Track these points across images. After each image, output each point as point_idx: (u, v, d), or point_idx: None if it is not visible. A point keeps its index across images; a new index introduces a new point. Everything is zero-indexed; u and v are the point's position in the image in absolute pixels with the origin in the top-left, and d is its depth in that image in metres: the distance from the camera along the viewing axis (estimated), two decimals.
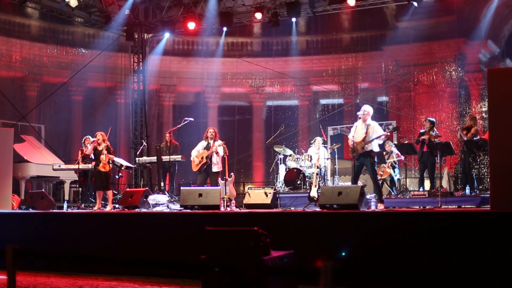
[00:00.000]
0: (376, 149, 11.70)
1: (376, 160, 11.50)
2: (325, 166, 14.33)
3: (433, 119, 13.71)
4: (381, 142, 11.76)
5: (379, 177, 13.76)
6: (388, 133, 11.59)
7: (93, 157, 12.80)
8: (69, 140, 22.20)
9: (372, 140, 11.10)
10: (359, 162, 11.11)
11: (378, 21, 22.43)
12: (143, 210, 11.04)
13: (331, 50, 23.79)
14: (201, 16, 18.55)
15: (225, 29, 19.96)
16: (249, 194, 12.31)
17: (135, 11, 19.65)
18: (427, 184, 13.85)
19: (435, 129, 13.24)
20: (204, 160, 12.44)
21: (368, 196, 10.03)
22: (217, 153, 12.40)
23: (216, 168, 12.53)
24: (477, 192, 12.81)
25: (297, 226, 8.25)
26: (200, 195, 10.08)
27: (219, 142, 12.48)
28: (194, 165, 12.59)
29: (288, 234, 7.99)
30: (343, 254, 7.36)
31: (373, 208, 9.94)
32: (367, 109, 11.56)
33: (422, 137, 13.20)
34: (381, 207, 10.40)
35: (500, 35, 21.96)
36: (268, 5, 17.86)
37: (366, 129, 11.07)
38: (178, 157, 14.72)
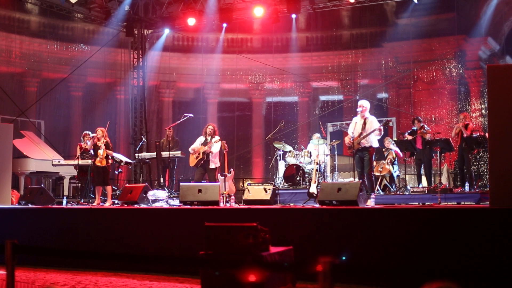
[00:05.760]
0: (375, 144, 11.75)
1: (374, 156, 11.55)
2: (324, 162, 14.34)
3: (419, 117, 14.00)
4: (379, 137, 11.80)
5: (378, 174, 13.79)
6: (381, 127, 11.59)
7: (92, 153, 12.83)
8: (69, 135, 22.19)
9: (368, 134, 11.19)
10: (358, 156, 11.30)
11: (378, 17, 22.47)
12: (143, 205, 11.04)
13: (331, 46, 23.79)
14: (201, 12, 18.53)
15: (225, 25, 19.93)
16: (248, 190, 12.28)
17: (135, 7, 19.65)
18: (424, 180, 13.88)
19: (425, 126, 13.35)
20: (201, 156, 12.52)
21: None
22: (210, 152, 12.48)
23: (213, 164, 12.61)
24: (476, 188, 12.81)
25: (296, 222, 8.25)
26: (200, 191, 10.08)
27: (216, 138, 12.52)
28: (192, 160, 12.68)
29: (287, 230, 8.00)
30: (343, 258, 7.36)
31: (372, 204, 9.93)
32: (364, 104, 11.65)
33: (410, 138, 13.32)
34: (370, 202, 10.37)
35: (500, 32, 21.96)
36: (268, 1, 17.85)
37: (364, 123, 11.17)
38: (177, 153, 14.72)
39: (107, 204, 12.40)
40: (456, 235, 7.05)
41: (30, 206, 11.68)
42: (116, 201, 12.72)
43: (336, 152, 14.92)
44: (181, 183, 11.65)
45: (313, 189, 12.33)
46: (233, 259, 6.15)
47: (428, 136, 13.18)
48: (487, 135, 11.44)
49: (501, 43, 22.02)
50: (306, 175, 14.06)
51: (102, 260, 8.26)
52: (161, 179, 15.07)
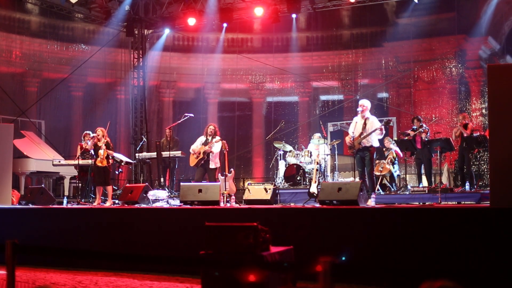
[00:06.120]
0: (376, 144, 11.76)
1: (375, 156, 11.54)
2: (325, 161, 14.34)
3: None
4: (380, 137, 11.81)
5: (378, 173, 13.78)
6: (382, 126, 11.62)
7: (93, 153, 12.83)
8: (69, 135, 22.20)
9: (369, 134, 11.19)
10: (358, 155, 11.30)
11: (379, 17, 22.46)
12: (143, 205, 11.04)
13: (331, 46, 23.78)
14: (201, 12, 18.54)
15: (225, 25, 19.94)
16: (248, 190, 12.26)
17: (135, 7, 19.66)
18: (424, 180, 13.87)
19: (424, 125, 13.33)
20: (201, 156, 12.54)
21: None
22: (211, 152, 12.50)
23: (213, 164, 12.62)
24: (477, 188, 12.81)
25: (297, 222, 8.25)
26: (200, 190, 10.08)
27: (217, 138, 12.54)
28: (192, 160, 12.70)
29: (288, 230, 8.00)
30: (343, 258, 7.36)
31: (373, 204, 9.93)
32: (365, 104, 11.66)
33: (412, 134, 13.28)
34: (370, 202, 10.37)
35: (501, 31, 21.94)
36: (268, 1, 17.85)
37: (364, 123, 11.18)
38: (178, 153, 14.73)
39: (108, 204, 12.40)
40: (456, 235, 7.05)
41: (30, 206, 11.68)
42: (117, 201, 12.73)
43: (336, 152, 14.92)
44: (181, 183, 11.65)
45: (313, 189, 12.32)
46: (233, 259, 6.15)
47: (424, 136, 13.16)
48: (487, 134, 11.47)
49: (501, 42, 22.01)
50: (307, 175, 14.06)
51: (103, 260, 8.26)
52: (162, 179, 15.07)
